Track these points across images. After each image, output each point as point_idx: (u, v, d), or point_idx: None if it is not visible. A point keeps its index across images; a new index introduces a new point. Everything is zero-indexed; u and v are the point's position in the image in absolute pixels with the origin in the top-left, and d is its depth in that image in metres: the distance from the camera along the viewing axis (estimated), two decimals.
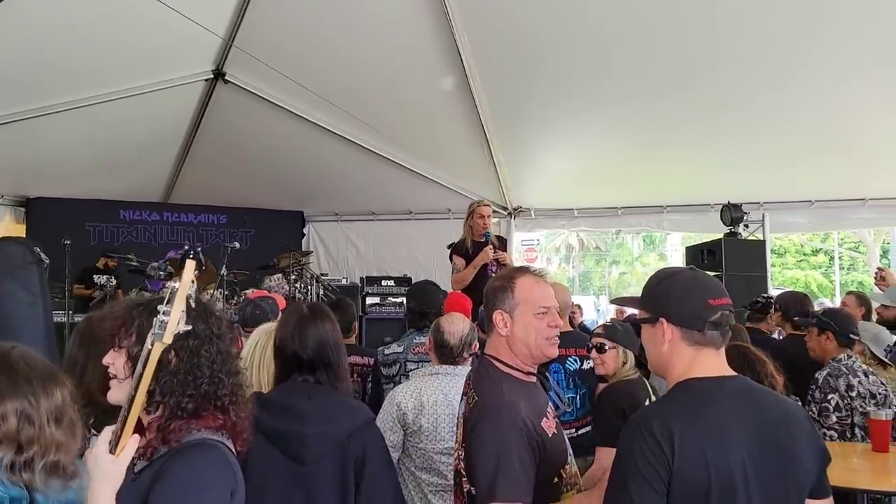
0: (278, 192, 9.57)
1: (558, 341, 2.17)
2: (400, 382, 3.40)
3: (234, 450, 1.69)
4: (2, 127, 6.87)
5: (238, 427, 1.69)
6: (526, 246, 17.46)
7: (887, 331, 4.09)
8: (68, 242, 6.17)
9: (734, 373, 1.81)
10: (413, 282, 8.89)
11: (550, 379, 2.08)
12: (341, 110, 7.59)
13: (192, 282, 1.50)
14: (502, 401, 2.01)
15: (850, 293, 6.26)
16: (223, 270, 6.08)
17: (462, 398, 2.18)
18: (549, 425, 2.06)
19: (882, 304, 4.30)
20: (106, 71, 6.79)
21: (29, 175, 8.27)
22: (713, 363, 1.77)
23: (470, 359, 3.03)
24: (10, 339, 1.86)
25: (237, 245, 6.15)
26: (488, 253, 5.62)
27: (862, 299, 5.45)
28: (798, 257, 27.60)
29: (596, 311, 25.29)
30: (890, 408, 3.31)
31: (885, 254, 24.98)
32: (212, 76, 7.37)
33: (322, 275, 8.51)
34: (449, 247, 6.01)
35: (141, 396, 1.46)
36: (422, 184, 8.74)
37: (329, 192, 9.56)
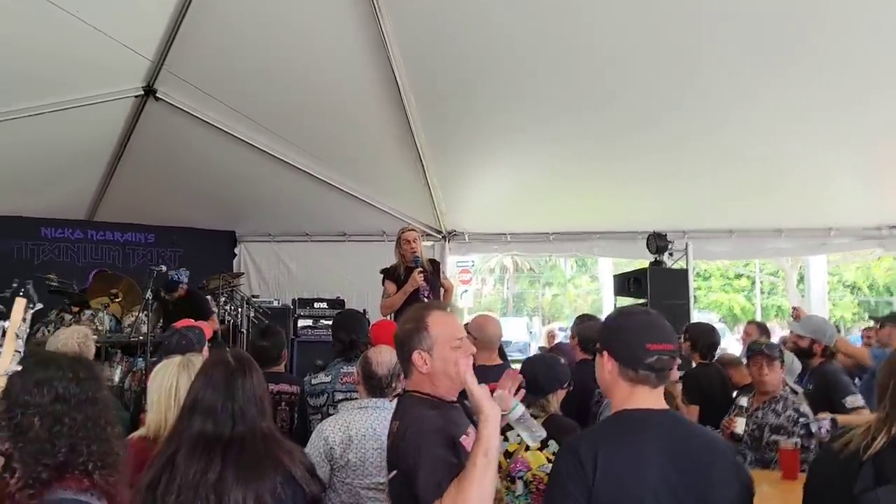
0: (209, 211, 9.37)
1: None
2: (328, 413, 3.36)
3: None
4: None
5: (109, 490, 1.64)
6: (461, 267, 17.61)
7: (798, 360, 4.28)
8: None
9: (666, 407, 1.99)
10: (346, 305, 8.89)
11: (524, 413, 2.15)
12: (272, 132, 7.55)
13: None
14: (422, 415, 2.12)
15: (751, 322, 6.60)
16: (148, 294, 5.89)
17: (388, 437, 2.20)
18: (468, 442, 2.10)
19: (797, 334, 4.50)
20: (29, 84, 6.54)
21: None
22: (647, 398, 1.96)
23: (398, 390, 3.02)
24: None
25: (164, 268, 5.96)
26: (417, 279, 5.63)
27: (762, 328, 5.77)
28: (722, 281, 28.62)
29: (528, 333, 25.56)
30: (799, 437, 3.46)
31: (801, 279, 26.14)
32: (142, 93, 7.19)
33: (253, 296, 8.39)
34: (382, 271, 6.01)
35: None
36: (356, 206, 8.71)
37: (262, 213, 9.43)
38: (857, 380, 4.73)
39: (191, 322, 4.07)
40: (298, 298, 8.84)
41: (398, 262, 5.96)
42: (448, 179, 8.18)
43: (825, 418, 3.55)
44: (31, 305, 1.96)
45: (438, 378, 2.19)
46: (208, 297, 7.53)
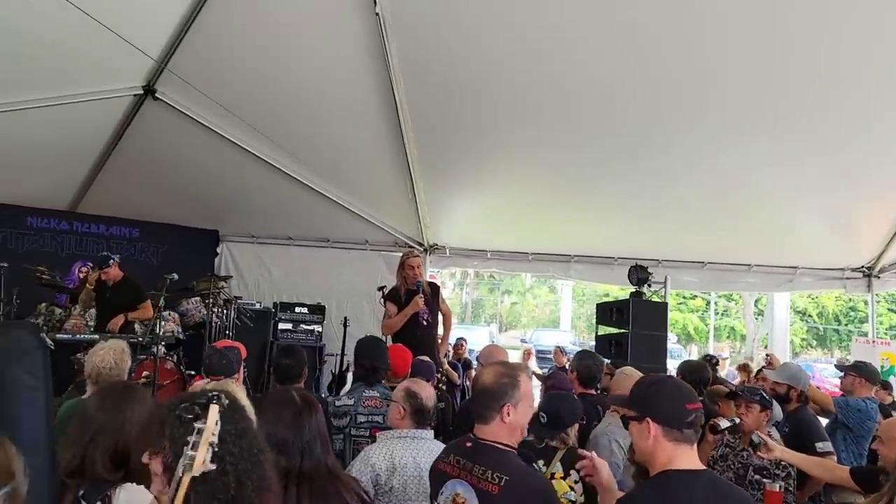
0: (195, 209, 9.42)
1: None
2: (350, 434, 3.55)
3: None
4: None
5: None
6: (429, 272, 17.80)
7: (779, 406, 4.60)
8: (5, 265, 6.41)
9: (703, 467, 2.19)
10: (326, 311, 9.03)
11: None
12: (266, 137, 7.63)
13: (216, 423, 1.66)
14: (530, 469, 2.53)
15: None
16: (161, 301, 6.03)
17: (461, 483, 2.49)
18: None
19: (775, 381, 4.81)
20: (37, 74, 6.53)
21: None
22: (689, 457, 2.14)
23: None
24: (13, 422, 1.95)
25: (176, 276, 6.06)
26: (418, 303, 5.89)
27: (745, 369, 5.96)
28: (678, 300, 29.30)
29: (491, 342, 25.76)
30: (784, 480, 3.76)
31: (756, 302, 27.01)
32: (142, 92, 7.24)
33: (236, 297, 8.46)
34: (380, 289, 6.21)
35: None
36: (341, 214, 8.83)
37: (247, 214, 9.52)
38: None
39: (228, 342, 4.21)
40: (280, 302, 8.95)
41: (399, 284, 6.17)
42: (434, 194, 8.36)
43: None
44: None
45: (515, 430, 2.53)
46: (196, 297, 7.59)
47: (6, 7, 5.59)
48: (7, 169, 7.97)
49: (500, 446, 2.49)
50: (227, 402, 1.70)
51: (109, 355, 3.40)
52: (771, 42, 5.22)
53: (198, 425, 1.62)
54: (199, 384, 2.91)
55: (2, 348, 2.04)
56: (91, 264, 7.38)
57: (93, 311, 6.82)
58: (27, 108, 6.74)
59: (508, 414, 2.50)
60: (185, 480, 1.61)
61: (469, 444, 2.55)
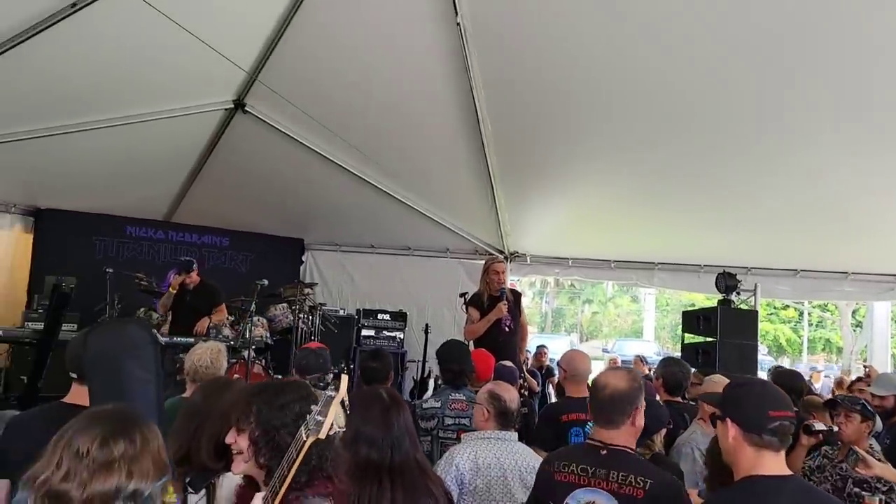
0: (281, 218, 9.73)
1: None
2: (438, 436, 3.60)
3: None
4: (22, 143, 6.97)
5: (341, 492, 1.90)
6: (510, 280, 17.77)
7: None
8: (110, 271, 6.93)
9: (791, 473, 2.13)
10: (407, 318, 9.15)
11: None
12: (351, 146, 7.80)
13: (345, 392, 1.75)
14: (666, 472, 2.56)
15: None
16: (252, 306, 6.31)
17: (594, 491, 2.48)
18: None
19: (879, 395, 4.59)
20: (128, 95, 6.91)
21: (41, 187, 8.34)
22: (773, 463, 2.09)
23: None
24: None
25: (266, 282, 6.31)
26: (501, 309, 5.90)
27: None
28: (768, 310, 28.17)
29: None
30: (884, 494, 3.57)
31: (854, 313, 25.69)
32: (232, 106, 7.54)
33: (320, 304, 8.67)
34: (461, 295, 6.26)
35: (291, 476, 1.68)
36: (422, 221, 8.95)
37: (331, 223, 9.74)
38: None
39: (319, 344, 4.37)
40: (363, 309, 9.12)
41: (482, 290, 6.20)
42: (514, 201, 8.35)
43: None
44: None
45: (638, 433, 2.60)
46: (283, 304, 7.82)
47: (110, 24, 5.92)
48: (110, 181, 8.46)
49: (631, 451, 2.52)
50: (303, 386, 1.79)
51: (207, 354, 3.60)
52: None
53: (329, 393, 1.69)
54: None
55: (116, 343, 2.17)
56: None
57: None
58: (128, 123, 7.13)
59: (637, 417, 2.55)
60: (308, 444, 1.70)
61: (604, 452, 2.51)
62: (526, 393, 6.14)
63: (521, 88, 6.63)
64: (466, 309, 6.18)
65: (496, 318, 5.93)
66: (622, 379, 2.58)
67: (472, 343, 5.87)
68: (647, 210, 7.99)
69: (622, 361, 22.44)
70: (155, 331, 2.05)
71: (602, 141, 6.96)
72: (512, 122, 7.08)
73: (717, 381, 4.00)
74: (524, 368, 7.27)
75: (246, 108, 7.57)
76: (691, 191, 7.40)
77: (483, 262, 6.95)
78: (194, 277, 7.18)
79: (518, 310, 6.31)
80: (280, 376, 6.97)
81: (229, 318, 7.30)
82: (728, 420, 2.17)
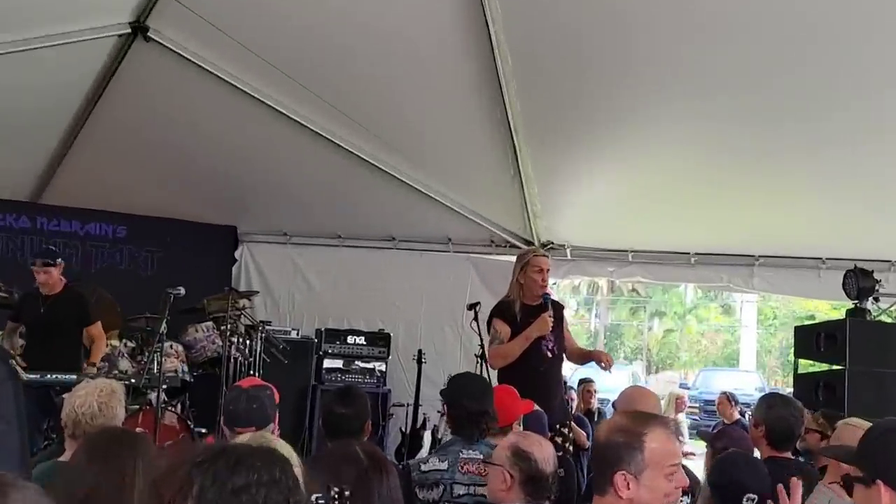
0: (203, 197, 9.75)
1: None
2: None
3: None
4: None
5: None
6: None
7: None
8: None
9: None
10: (391, 340, 9.16)
11: None
12: (307, 89, 7.74)
13: None
14: None
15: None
16: (163, 326, 6.28)
17: None
18: None
19: None
20: None
21: None
22: None
23: None
24: None
25: (182, 290, 6.30)
26: (547, 321, 5.85)
27: None
28: None
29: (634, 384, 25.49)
30: None
31: None
32: (129, 30, 7.50)
33: (263, 322, 8.66)
34: (471, 307, 6.23)
35: None
36: (413, 200, 8.96)
37: (277, 202, 9.77)
38: None
39: (257, 380, 4.33)
40: (325, 329, 9.12)
41: (514, 296, 6.13)
42: (547, 169, 8.29)
43: None
44: None
45: None
46: (208, 323, 7.83)
47: None
48: None
49: None
50: (279, 461, 1.79)
51: (94, 398, 3.54)
52: None
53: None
54: (245, 437, 2.97)
55: None
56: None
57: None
58: None
59: (626, 486, 2.49)
60: None
61: None
62: (571, 448, 6.12)
63: (553, 23, 6.51)
64: (489, 324, 6.13)
65: (538, 336, 5.86)
66: (604, 428, 2.70)
67: (495, 374, 5.86)
68: (741, 181, 7.94)
69: (704, 402, 22.20)
70: (14, 362, 2.03)
71: (669, 86, 6.91)
72: (542, 48, 6.98)
73: (856, 426, 4.00)
74: (570, 413, 7.27)
75: (149, 34, 7.53)
76: (808, 153, 7.37)
77: (501, 256, 6.87)
78: (53, 276, 7.11)
79: (561, 328, 6.22)
80: (204, 430, 6.98)
81: (128, 344, 7.29)
82: (880, 483, 2.19)
